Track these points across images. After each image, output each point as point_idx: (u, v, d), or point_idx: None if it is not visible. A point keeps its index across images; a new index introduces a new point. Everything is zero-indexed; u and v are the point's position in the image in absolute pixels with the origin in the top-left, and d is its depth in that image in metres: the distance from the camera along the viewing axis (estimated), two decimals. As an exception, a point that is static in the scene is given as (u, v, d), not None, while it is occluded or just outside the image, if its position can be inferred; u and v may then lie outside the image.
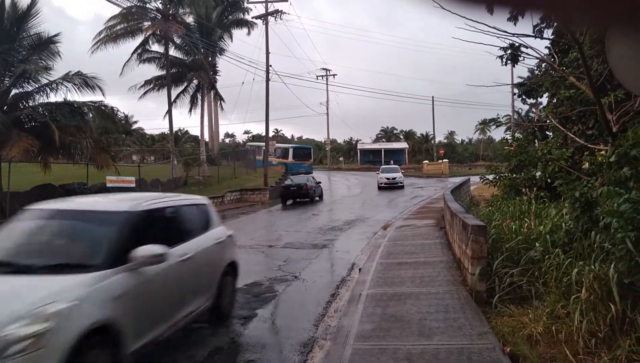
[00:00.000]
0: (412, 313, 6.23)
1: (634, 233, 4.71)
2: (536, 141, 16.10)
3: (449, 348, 5.00)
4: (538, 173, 11.99)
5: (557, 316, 5.29)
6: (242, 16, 38.25)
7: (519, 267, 6.66)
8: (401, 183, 34.18)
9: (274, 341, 6.09)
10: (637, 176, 6.61)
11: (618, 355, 4.34)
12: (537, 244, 6.97)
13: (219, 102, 38.51)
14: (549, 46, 13.89)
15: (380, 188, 33.25)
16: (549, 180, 11.74)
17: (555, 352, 4.80)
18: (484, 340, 5.16)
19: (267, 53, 31.13)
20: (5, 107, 17.36)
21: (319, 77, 61.12)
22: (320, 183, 28.69)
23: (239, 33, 40.28)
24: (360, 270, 9.31)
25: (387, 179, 34.09)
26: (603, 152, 11.11)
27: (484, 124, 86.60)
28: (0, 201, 16.64)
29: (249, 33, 38.54)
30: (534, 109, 44.26)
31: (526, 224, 8.51)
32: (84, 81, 18.37)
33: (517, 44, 12.35)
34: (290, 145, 50.98)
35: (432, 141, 73.51)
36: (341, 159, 73.62)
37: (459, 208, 10.51)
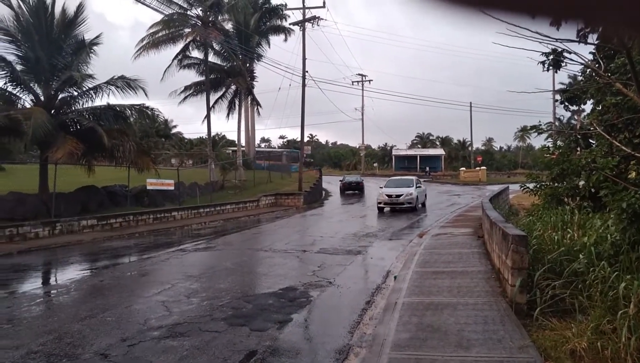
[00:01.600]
0: (450, 324, 6.12)
1: (687, 247, 4.49)
2: (579, 149, 15.61)
3: (487, 360, 4.88)
4: (581, 182, 11.62)
5: (603, 331, 5.10)
6: (280, 23, 38.75)
7: (562, 279, 6.46)
8: (410, 203, 23.51)
9: (309, 347, 6.08)
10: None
11: (669, 375, 4.14)
12: (580, 256, 6.75)
13: (255, 108, 39.02)
14: (594, 51, 13.44)
15: (379, 209, 24.14)
16: (592, 190, 11.36)
17: (600, 369, 4.62)
18: (524, 353, 5.02)
19: (304, 59, 31.36)
20: (53, 110, 18.07)
21: (354, 83, 61.15)
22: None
23: (276, 39, 40.83)
24: (395, 277, 9.22)
25: (389, 197, 23.62)
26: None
27: (524, 131, 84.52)
28: (46, 201, 17.30)
29: (285, 39, 39.03)
30: (576, 116, 43.00)
31: (569, 235, 8.26)
32: (126, 83, 18.96)
33: (559, 50, 12.04)
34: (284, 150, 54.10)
35: (470, 148, 72.31)
36: (375, 165, 73.21)
37: (498, 216, 10.27)
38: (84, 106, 18.95)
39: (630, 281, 4.99)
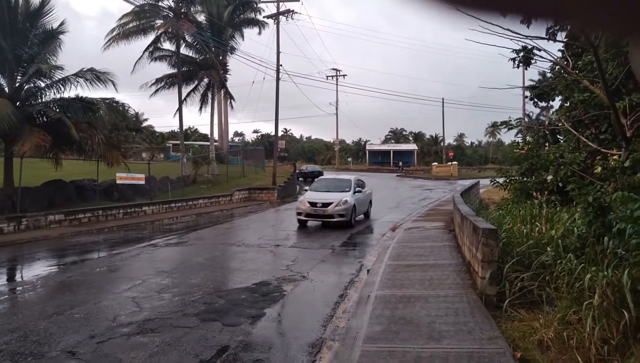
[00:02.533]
0: (421, 316, 6.19)
1: (649, 239, 4.64)
2: (547, 144, 15.98)
3: (458, 352, 4.95)
4: (549, 177, 11.88)
5: (569, 322, 5.23)
6: (254, 16, 38.28)
7: (530, 272, 6.61)
8: (343, 215, 15.94)
9: (282, 341, 6.07)
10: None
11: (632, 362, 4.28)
12: (548, 249, 6.91)
13: (229, 101, 38.55)
14: (562, 49, 13.78)
15: (300, 222, 16.80)
16: (560, 184, 11.63)
17: (566, 358, 4.75)
18: (494, 344, 5.11)
19: (278, 53, 31.15)
20: (18, 102, 17.50)
21: (329, 78, 61.19)
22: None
23: (249, 32, 40.47)
24: (368, 271, 9.27)
25: (314, 206, 16.36)
26: (616, 157, 11.00)
27: (494, 127, 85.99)
28: (11, 195, 16.77)
29: (259, 32, 38.63)
30: (544, 113, 44.01)
31: (537, 228, 8.44)
32: (96, 76, 18.46)
33: (529, 47, 12.27)
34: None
35: (442, 143, 73.24)
36: (349, 159, 73.54)
37: (469, 210, 10.43)
38: (52, 98, 18.40)
39: (595, 273, 5.13)
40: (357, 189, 17.38)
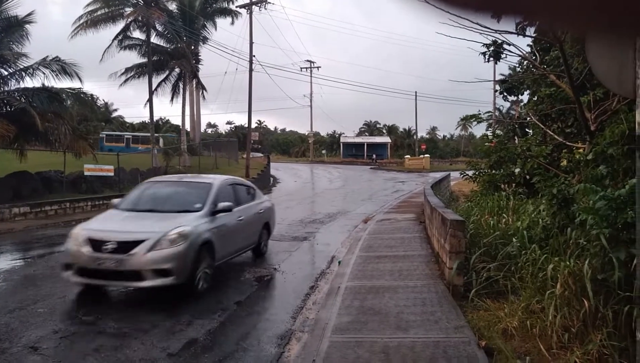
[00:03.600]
0: (390, 307, 6.25)
1: (608, 229, 4.77)
2: (516, 138, 16.30)
3: (425, 341, 5.02)
4: (517, 170, 12.13)
5: (532, 311, 5.36)
6: (227, 5, 37.79)
7: (496, 262, 6.73)
8: (167, 270, 6.77)
9: (251, 333, 6.03)
10: (613, 174, 6.71)
11: (590, 349, 4.41)
12: (514, 239, 7.05)
13: (201, 92, 38.01)
14: (531, 44, 14.02)
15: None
16: (527, 176, 11.89)
17: (529, 346, 4.87)
18: (459, 333, 5.21)
19: (251, 43, 30.87)
20: (-21, 91, 16.91)
21: (303, 69, 60.93)
22: None
23: (222, 22, 39.90)
24: (339, 262, 9.32)
25: (100, 248, 6.79)
26: (581, 150, 11.29)
27: (465, 120, 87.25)
28: (-27, 187, 16.22)
29: (232, 22, 38.17)
30: (514, 107, 44.86)
31: (504, 219, 8.60)
32: (61, 67, 17.94)
33: (499, 41, 12.45)
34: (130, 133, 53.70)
35: (415, 136, 73.99)
36: (324, 152, 73.58)
37: (439, 202, 10.57)
38: (15, 87, 17.81)
39: (558, 263, 5.25)
40: (225, 205, 8.24)
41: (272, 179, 35.96)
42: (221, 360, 5.11)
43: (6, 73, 17.69)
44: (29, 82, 17.80)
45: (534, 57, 12.76)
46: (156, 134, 50.96)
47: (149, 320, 6.23)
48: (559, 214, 6.74)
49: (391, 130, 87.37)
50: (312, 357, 4.80)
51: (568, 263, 5.14)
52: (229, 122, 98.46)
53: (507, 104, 48.20)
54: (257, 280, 8.41)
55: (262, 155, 48.25)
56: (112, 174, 21.85)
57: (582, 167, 9.21)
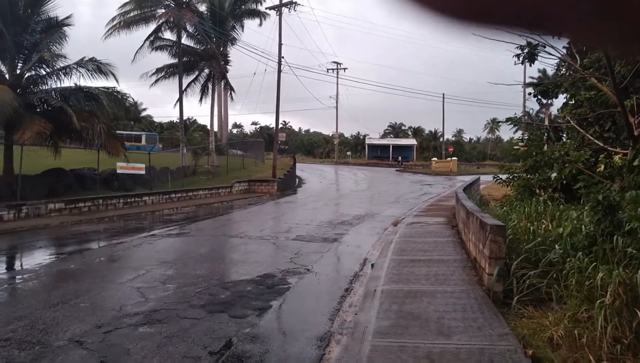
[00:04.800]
0: (429, 312, 6.18)
1: (664, 239, 4.63)
2: (548, 142, 15.96)
3: (469, 348, 4.94)
4: (554, 174, 11.88)
5: (579, 320, 5.23)
6: (255, 6, 38.03)
7: (539, 269, 6.59)
8: None
9: (289, 333, 6.04)
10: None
11: (644, 362, 4.28)
12: (556, 246, 6.89)
13: (229, 93, 38.41)
14: (567, 45, 13.71)
15: None
16: (564, 181, 11.63)
17: (577, 356, 4.74)
18: (504, 341, 5.10)
19: (280, 44, 31.00)
20: (19, 90, 17.37)
21: (329, 70, 60.97)
22: None
23: (250, 23, 40.17)
24: (372, 265, 9.26)
25: None
26: (620, 155, 10.98)
27: (493, 123, 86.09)
28: (11, 183, 16.68)
29: (260, 24, 38.39)
30: (544, 110, 43.99)
31: (544, 226, 8.43)
32: (97, 66, 18.35)
33: (534, 43, 12.21)
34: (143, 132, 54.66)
35: (441, 139, 73.20)
36: (349, 153, 73.42)
37: (475, 207, 10.42)
38: (53, 87, 18.27)
39: (608, 272, 5.11)
40: None
41: (297, 179, 36.08)
42: (260, 361, 5.12)
43: (44, 73, 18.16)
44: (66, 82, 18.24)
45: (572, 60, 12.49)
46: (140, 133, 51.81)
47: (188, 317, 6.31)
48: (604, 222, 6.56)
49: (417, 132, 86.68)
50: (354, 360, 4.77)
51: (619, 271, 4.99)
52: (254, 123, 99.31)
53: (536, 108, 47.33)
54: (291, 280, 8.41)
55: (287, 156, 48.42)
56: (143, 172, 22.24)
57: (625, 173, 8.97)
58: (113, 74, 18.34)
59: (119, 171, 21.18)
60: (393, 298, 6.84)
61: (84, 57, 18.31)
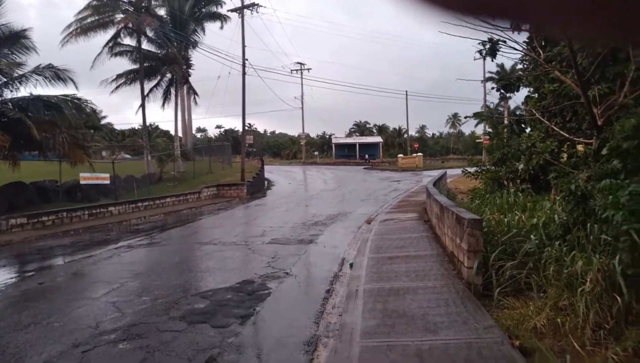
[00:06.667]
0: (414, 308, 6.20)
1: (639, 225, 4.76)
2: (512, 135, 16.34)
3: (457, 343, 4.97)
4: (521, 166, 12.15)
5: (560, 308, 5.33)
6: (216, 9, 37.60)
7: (516, 260, 6.71)
8: None
9: (275, 340, 5.95)
10: (633, 169, 6.71)
11: (627, 346, 4.39)
12: (532, 237, 7.03)
13: (192, 97, 37.85)
14: (527, 40, 14.07)
15: None
16: (532, 172, 11.92)
17: (562, 344, 4.83)
18: (490, 333, 5.16)
19: (243, 46, 30.73)
20: (-28, 102, 16.63)
21: (293, 71, 60.86)
22: None
23: (212, 26, 39.65)
24: (351, 265, 9.25)
25: None
26: (582, 146, 11.34)
27: (455, 118, 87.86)
28: (-32, 200, 15.93)
29: (222, 27, 37.94)
30: (502, 103, 45.12)
31: (517, 217, 8.59)
32: (55, 73, 17.75)
33: (496, 38, 12.48)
34: None
35: (405, 135, 74.17)
36: (316, 153, 73.50)
37: (449, 202, 10.55)
38: (9, 97, 17.54)
39: (587, 260, 5.24)
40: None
41: (266, 182, 35.85)
42: (248, 369, 5.02)
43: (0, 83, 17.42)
44: (23, 91, 17.55)
45: (533, 53, 12.81)
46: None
47: (169, 329, 6.13)
48: (576, 211, 6.74)
49: (381, 130, 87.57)
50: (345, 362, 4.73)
51: (598, 258, 5.12)
52: (218, 126, 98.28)
53: (496, 102, 48.48)
54: (271, 285, 8.31)
55: (255, 158, 48.07)
56: (108, 182, 21.62)
57: (590, 162, 9.24)
58: (72, 81, 17.78)
59: (82, 181, 20.51)
60: (376, 297, 6.84)
61: (40, 64, 17.65)
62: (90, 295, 8.13)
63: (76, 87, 18.30)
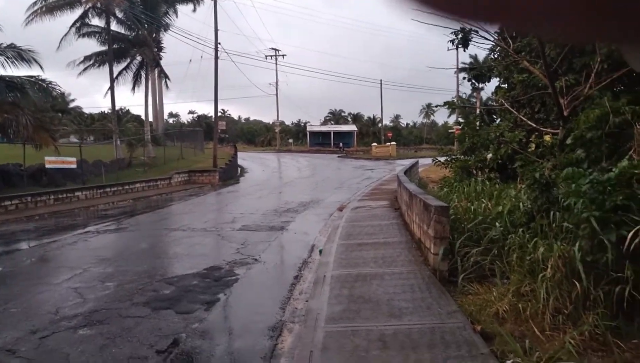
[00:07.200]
0: (380, 294, 6.23)
1: (598, 213, 4.86)
2: (481, 124, 16.54)
3: (420, 328, 5.01)
4: (490, 155, 12.31)
5: (522, 294, 5.42)
6: (188, -9, 36.74)
7: (481, 247, 6.79)
8: None
9: (240, 326, 5.91)
10: (596, 159, 6.85)
11: (583, 330, 4.49)
12: (497, 224, 7.13)
13: (164, 81, 37.10)
14: (498, 31, 14.20)
15: None
16: (500, 161, 12.09)
17: (523, 329, 4.92)
18: (453, 319, 5.22)
19: (216, 30, 30.18)
20: None
21: (268, 57, 60.24)
22: None
23: (184, 9, 38.82)
24: (320, 251, 9.25)
25: None
26: (549, 135, 11.54)
27: (428, 108, 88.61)
28: None
29: (194, 9, 37.22)
30: (475, 94, 45.70)
31: (483, 205, 8.70)
32: (18, 53, 17.12)
33: (468, 28, 12.55)
34: None
35: (380, 124, 74.46)
36: (291, 141, 73.20)
37: (418, 189, 10.62)
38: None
39: (549, 246, 5.33)
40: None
41: (239, 169, 35.54)
42: (211, 356, 4.96)
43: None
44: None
45: (503, 43, 12.94)
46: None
47: (131, 315, 6.02)
48: (540, 198, 6.84)
49: (356, 118, 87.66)
50: (308, 348, 4.71)
51: (559, 245, 5.20)
52: (191, 112, 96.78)
53: (469, 91, 49.06)
54: (239, 271, 8.24)
55: (228, 145, 47.57)
56: (74, 166, 21.08)
57: (556, 152, 9.41)
58: (37, 62, 17.18)
59: (47, 165, 19.93)
60: (343, 282, 6.84)
61: (1, 43, 16.98)
62: (52, 280, 7.92)
63: (41, 69, 17.68)
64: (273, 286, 7.56)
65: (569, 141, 7.73)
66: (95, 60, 32.20)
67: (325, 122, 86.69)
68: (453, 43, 13.45)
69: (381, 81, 64.58)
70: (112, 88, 30.26)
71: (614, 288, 4.62)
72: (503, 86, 14.18)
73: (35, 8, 27.49)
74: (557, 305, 4.88)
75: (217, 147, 31.30)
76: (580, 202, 5.12)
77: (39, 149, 18.30)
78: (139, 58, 33.65)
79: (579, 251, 4.95)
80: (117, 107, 33.85)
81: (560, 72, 10.18)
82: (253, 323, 5.90)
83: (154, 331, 5.57)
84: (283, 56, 62.38)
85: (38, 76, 18.07)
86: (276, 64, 61.94)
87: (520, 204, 7.49)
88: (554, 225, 6.22)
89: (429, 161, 25.93)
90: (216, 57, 30.14)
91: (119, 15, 30.99)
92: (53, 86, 19.18)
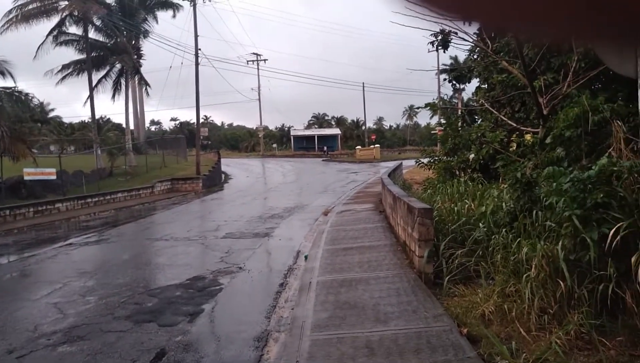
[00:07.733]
0: (365, 299, 6.17)
1: (580, 211, 4.87)
2: (463, 125, 16.65)
3: (407, 333, 4.96)
4: (472, 156, 12.36)
5: (507, 294, 5.41)
6: (167, -3, 36.45)
7: (465, 248, 6.79)
8: None
9: (225, 337, 5.80)
10: (576, 157, 6.89)
11: (569, 330, 4.49)
12: (480, 224, 7.13)
13: (144, 88, 36.70)
14: (477, 31, 14.31)
15: None
16: (482, 162, 12.14)
17: (509, 330, 4.90)
18: (439, 322, 5.19)
19: (196, 36, 29.98)
20: None
21: (249, 62, 60.08)
22: None
23: (164, 15, 38.53)
24: (306, 257, 9.17)
25: None
26: (530, 134, 11.63)
27: (411, 110, 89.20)
28: None
29: (174, 15, 36.83)
30: (457, 95, 46.15)
31: (467, 205, 8.71)
32: (-8, 64, 16.77)
33: (447, 30, 12.62)
34: None
35: (363, 127, 74.69)
36: (274, 146, 72.97)
37: (402, 191, 10.62)
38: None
39: (532, 246, 5.32)
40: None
41: (223, 175, 35.30)
42: (196, 368, 4.85)
43: None
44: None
45: (483, 44, 13.03)
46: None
47: (113, 330, 5.87)
48: (522, 198, 6.85)
49: (340, 122, 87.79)
50: (294, 357, 4.63)
51: (542, 244, 5.20)
52: (173, 119, 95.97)
53: (451, 93, 49.44)
54: (223, 281, 8.12)
55: (211, 151, 47.23)
56: (54, 177, 20.70)
57: (536, 151, 9.48)
58: (10, 73, 16.84)
59: (26, 177, 19.55)
60: (329, 289, 6.78)
61: (-24, 54, 16.62)
62: (31, 296, 7.72)
63: (13, 80, 17.30)
64: (258, 294, 7.46)
65: (548, 140, 7.78)
66: (74, 68, 31.74)
67: (309, 126, 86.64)
68: (433, 45, 13.50)
69: (364, 83, 64.85)
70: (91, 97, 29.85)
71: (598, 286, 4.62)
72: (483, 86, 14.28)
73: (11, 16, 27.00)
74: (542, 305, 4.88)
75: (200, 154, 31.04)
76: (561, 201, 5.13)
77: (16, 161, 17.94)
78: (118, 66, 33.26)
79: (562, 250, 4.96)
80: (97, 116, 33.45)
81: (538, 71, 10.27)
82: (238, 334, 5.79)
83: (136, 345, 5.44)
84: (265, 60, 62.30)
85: (15, 87, 17.78)
86: (258, 68, 61.83)
87: (503, 204, 7.50)
88: (536, 224, 6.23)
89: (412, 162, 26.06)
90: (197, 63, 29.94)
91: (97, 23, 30.63)
92: (31, 97, 18.86)
